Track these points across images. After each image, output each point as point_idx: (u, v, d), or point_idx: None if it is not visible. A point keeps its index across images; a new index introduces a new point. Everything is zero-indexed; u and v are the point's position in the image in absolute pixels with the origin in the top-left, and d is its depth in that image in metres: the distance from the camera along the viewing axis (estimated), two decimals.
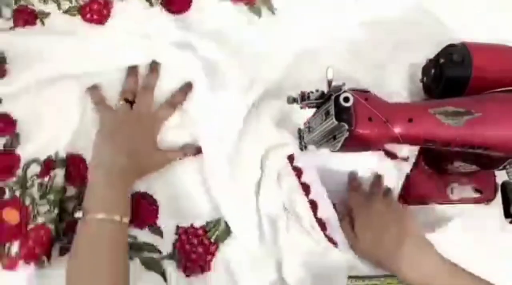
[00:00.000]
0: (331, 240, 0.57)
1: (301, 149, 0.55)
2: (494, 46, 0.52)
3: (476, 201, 0.61)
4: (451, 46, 0.53)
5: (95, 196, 0.50)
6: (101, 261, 0.47)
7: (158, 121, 0.56)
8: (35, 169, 0.56)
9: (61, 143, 0.57)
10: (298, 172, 0.59)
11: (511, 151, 0.45)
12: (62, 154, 0.57)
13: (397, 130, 0.43)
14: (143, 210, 0.57)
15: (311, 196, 0.58)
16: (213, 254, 0.57)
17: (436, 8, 0.70)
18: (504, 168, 0.48)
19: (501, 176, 0.61)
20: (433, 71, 0.54)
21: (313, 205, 0.57)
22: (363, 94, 0.44)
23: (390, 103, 0.46)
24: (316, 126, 0.48)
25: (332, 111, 0.42)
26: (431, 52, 0.56)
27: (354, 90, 0.43)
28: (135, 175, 0.54)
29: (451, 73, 0.51)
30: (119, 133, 0.53)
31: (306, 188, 0.58)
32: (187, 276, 0.56)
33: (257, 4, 0.66)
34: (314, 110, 0.49)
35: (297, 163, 0.60)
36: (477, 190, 0.56)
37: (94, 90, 0.57)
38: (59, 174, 0.56)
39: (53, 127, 0.57)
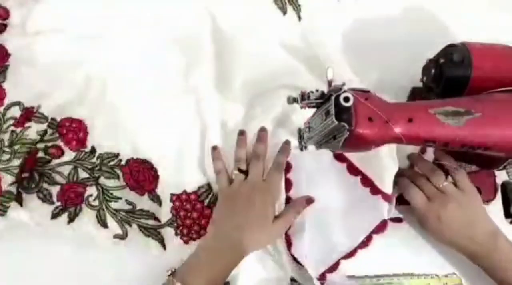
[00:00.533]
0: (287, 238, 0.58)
1: (301, 149, 0.55)
2: (494, 46, 0.52)
3: None
4: (451, 46, 0.53)
5: (191, 266, 0.51)
6: None
7: (272, 189, 0.57)
8: (15, 112, 0.59)
9: (50, 102, 0.60)
10: (287, 167, 0.60)
11: (511, 151, 0.45)
12: (52, 115, 0.60)
13: (397, 130, 0.43)
14: (142, 176, 0.58)
15: (290, 193, 0.59)
16: (208, 218, 0.58)
17: (436, 8, 0.70)
18: (504, 168, 0.48)
19: (501, 176, 0.61)
20: (433, 71, 0.54)
21: (288, 202, 0.58)
22: (363, 94, 0.44)
23: (390, 103, 0.46)
24: (316, 126, 0.48)
25: (332, 111, 0.42)
26: (431, 52, 0.56)
27: (354, 90, 0.43)
28: (248, 250, 0.53)
29: (451, 73, 0.51)
30: (236, 207, 0.55)
31: (288, 184, 0.59)
32: (185, 242, 0.56)
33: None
34: (314, 110, 0.49)
35: (291, 160, 0.60)
36: (477, 190, 0.56)
37: (217, 159, 0.60)
38: (33, 129, 0.58)
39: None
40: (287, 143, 0.59)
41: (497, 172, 0.62)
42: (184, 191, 0.59)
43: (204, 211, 0.58)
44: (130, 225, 0.57)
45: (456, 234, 0.53)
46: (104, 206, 0.57)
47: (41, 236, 0.57)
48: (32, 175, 0.58)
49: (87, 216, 0.57)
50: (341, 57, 0.65)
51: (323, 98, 0.46)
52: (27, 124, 0.59)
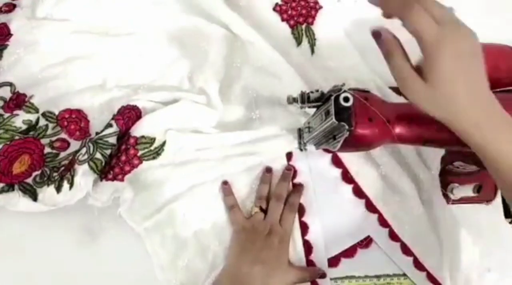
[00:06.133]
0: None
1: (301, 149, 0.56)
2: (494, 46, 0.52)
3: (476, 201, 0.61)
4: None
5: None
6: None
7: (288, 234, 0.57)
8: (5, 93, 0.59)
9: (43, 95, 0.61)
10: (294, 172, 0.60)
11: None
12: (46, 106, 0.60)
13: (397, 130, 0.43)
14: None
15: (307, 237, 0.59)
16: (133, 167, 0.57)
17: None
18: None
19: None
20: None
21: (308, 246, 0.58)
22: (363, 94, 0.44)
23: (390, 103, 0.46)
24: (316, 126, 0.48)
25: (332, 111, 0.42)
26: None
27: (354, 90, 0.43)
28: (265, 284, 0.53)
29: None
30: (254, 244, 0.55)
31: (304, 228, 0.59)
32: (101, 180, 0.56)
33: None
34: (314, 110, 0.49)
35: (295, 162, 0.60)
36: (477, 190, 0.56)
37: (229, 195, 0.59)
38: (21, 118, 0.58)
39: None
40: (300, 185, 0.60)
41: None
42: (129, 133, 0.58)
43: (133, 160, 0.57)
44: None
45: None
46: (94, 156, 0.56)
47: (40, 235, 0.57)
48: (42, 171, 0.58)
49: (81, 171, 0.56)
50: (340, 57, 0.65)
51: (323, 98, 0.46)
52: (16, 111, 0.59)
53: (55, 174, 0.57)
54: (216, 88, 0.60)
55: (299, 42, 0.67)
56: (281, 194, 0.59)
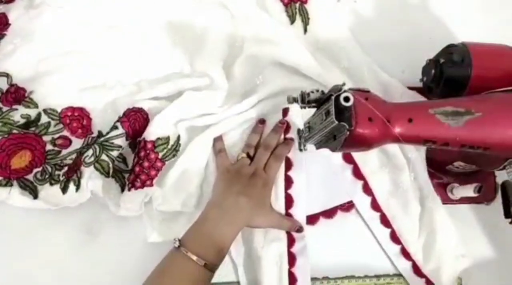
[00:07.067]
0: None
1: (301, 150, 0.55)
2: (494, 46, 0.52)
3: (476, 201, 0.61)
4: (451, 46, 0.53)
5: (198, 234, 0.51)
6: None
7: (271, 179, 0.57)
8: (2, 84, 0.59)
9: (42, 90, 0.61)
10: (287, 127, 0.60)
11: (511, 151, 0.44)
12: (45, 102, 0.60)
13: (397, 130, 0.43)
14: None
15: (290, 191, 0.58)
16: (158, 170, 0.57)
17: (436, 8, 0.70)
18: (504, 168, 0.48)
19: (501, 176, 0.61)
20: (433, 71, 0.54)
21: (289, 200, 0.58)
22: (363, 93, 0.44)
23: (390, 103, 0.46)
24: (316, 126, 0.48)
25: (332, 111, 0.42)
26: (431, 52, 0.56)
27: (354, 90, 0.43)
28: (249, 217, 0.54)
29: (451, 73, 0.51)
30: (238, 181, 0.55)
31: (289, 182, 0.59)
32: (129, 189, 0.56)
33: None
34: (314, 110, 0.49)
35: (290, 118, 0.60)
36: (477, 190, 0.56)
37: (218, 140, 0.61)
38: (19, 112, 0.59)
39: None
40: (291, 139, 0.59)
41: (497, 172, 0.62)
42: (143, 138, 0.58)
43: (156, 163, 0.57)
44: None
45: None
46: (100, 158, 0.57)
47: (39, 234, 0.57)
48: (44, 168, 0.58)
49: (88, 173, 0.56)
50: (340, 57, 0.65)
51: (323, 98, 0.46)
52: (15, 106, 0.60)
53: (57, 172, 0.57)
54: (219, 69, 0.61)
55: (292, 20, 0.67)
56: (269, 144, 0.59)
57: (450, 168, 0.60)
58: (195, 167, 0.59)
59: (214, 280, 0.51)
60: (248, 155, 0.59)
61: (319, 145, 0.50)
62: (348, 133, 0.42)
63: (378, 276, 0.59)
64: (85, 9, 0.64)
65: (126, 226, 0.58)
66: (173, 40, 0.65)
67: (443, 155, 0.59)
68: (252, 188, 0.54)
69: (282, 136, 0.60)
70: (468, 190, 0.57)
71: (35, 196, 0.56)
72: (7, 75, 0.61)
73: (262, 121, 0.61)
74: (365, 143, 0.44)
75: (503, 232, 0.59)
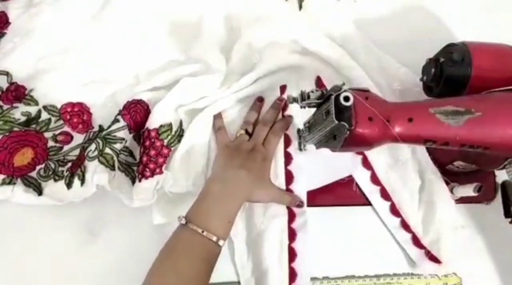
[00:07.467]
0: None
1: (301, 149, 0.55)
2: (494, 46, 0.52)
3: (476, 201, 0.61)
4: (451, 45, 0.53)
5: (203, 209, 0.51)
6: (185, 269, 0.48)
7: (270, 154, 0.58)
8: (2, 83, 0.60)
9: (43, 87, 0.61)
10: (285, 104, 0.61)
11: (511, 151, 0.44)
12: (45, 99, 0.60)
13: (397, 129, 0.43)
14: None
15: (290, 167, 0.59)
16: (165, 157, 0.57)
17: (436, 8, 0.70)
18: (504, 168, 0.48)
19: (501, 176, 0.61)
20: (433, 70, 0.54)
21: (289, 176, 0.58)
22: (363, 93, 0.44)
23: (390, 103, 0.46)
24: (316, 126, 0.48)
25: (332, 111, 0.42)
26: (431, 52, 0.56)
27: (354, 90, 0.43)
28: (250, 190, 0.54)
29: (451, 72, 0.51)
30: (238, 156, 0.56)
31: (288, 158, 0.59)
32: (139, 180, 0.56)
33: None
34: (314, 109, 0.49)
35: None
36: (477, 190, 0.56)
37: (217, 117, 0.62)
38: (20, 110, 0.59)
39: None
40: (289, 116, 0.60)
41: (497, 172, 0.62)
42: (146, 128, 0.58)
43: (162, 150, 0.57)
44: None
45: None
46: (103, 151, 0.56)
47: (38, 233, 0.57)
48: (47, 165, 0.58)
49: (92, 167, 0.56)
50: (341, 57, 0.65)
51: (323, 98, 0.46)
52: (15, 104, 0.60)
53: (61, 168, 0.57)
54: (216, 53, 0.61)
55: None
56: (268, 120, 0.60)
57: (450, 167, 0.60)
58: (199, 145, 0.60)
59: (214, 280, 0.50)
60: (246, 132, 0.59)
61: (319, 145, 0.50)
62: (348, 132, 0.42)
63: (378, 276, 0.59)
64: (83, 8, 0.65)
65: (127, 224, 0.58)
66: (169, 29, 0.65)
67: (443, 154, 0.59)
68: (252, 162, 0.55)
69: (281, 114, 0.60)
70: (468, 190, 0.57)
71: (40, 192, 0.56)
72: (7, 74, 0.61)
73: (260, 99, 0.62)
74: (365, 143, 0.44)
75: (503, 232, 0.59)
